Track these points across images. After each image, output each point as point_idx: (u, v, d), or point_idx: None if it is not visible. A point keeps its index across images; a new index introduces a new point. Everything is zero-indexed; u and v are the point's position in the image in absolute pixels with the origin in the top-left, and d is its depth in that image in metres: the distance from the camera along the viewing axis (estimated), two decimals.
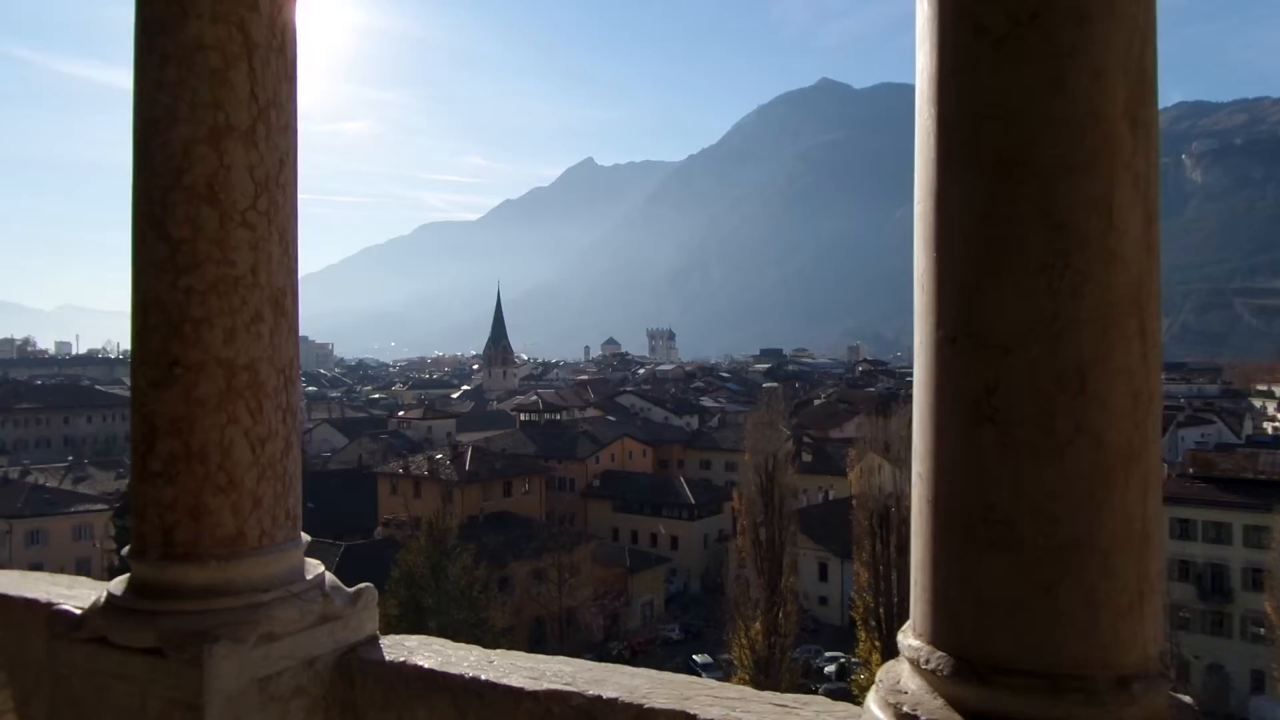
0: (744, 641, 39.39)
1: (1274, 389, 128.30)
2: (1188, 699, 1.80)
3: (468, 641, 3.01)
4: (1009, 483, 1.68)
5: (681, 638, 56.59)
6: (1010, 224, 1.71)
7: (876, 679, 1.91)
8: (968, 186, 1.76)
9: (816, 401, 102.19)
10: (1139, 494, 1.68)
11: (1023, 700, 1.65)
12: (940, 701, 1.75)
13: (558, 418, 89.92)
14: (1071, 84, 1.69)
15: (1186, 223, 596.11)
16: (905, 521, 43.56)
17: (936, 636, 1.78)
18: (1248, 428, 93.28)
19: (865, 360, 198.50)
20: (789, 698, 2.37)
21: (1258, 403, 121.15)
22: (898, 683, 1.86)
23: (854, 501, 44.84)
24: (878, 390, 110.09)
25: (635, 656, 50.73)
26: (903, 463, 44.81)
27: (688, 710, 2.29)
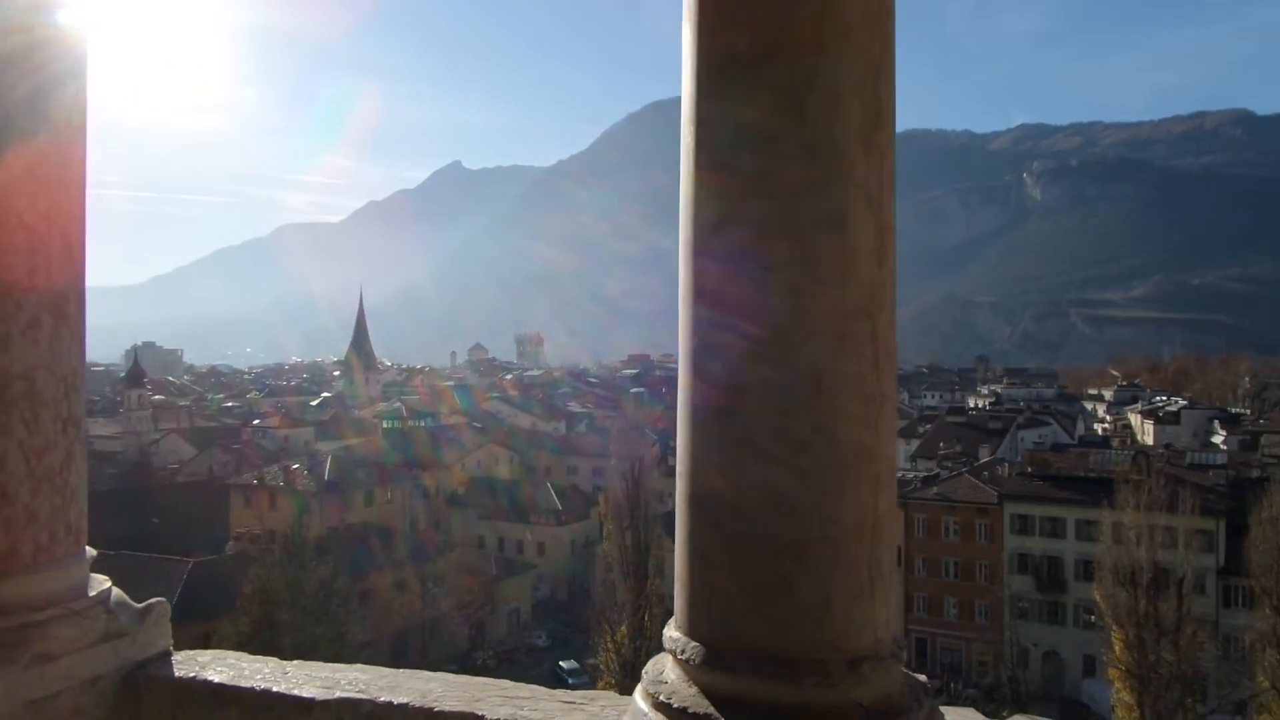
0: (610, 646, 39.51)
1: (1103, 393, 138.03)
2: (922, 677, 1.95)
3: (325, 659, 2.96)
4: (753, 481, 1.79)
5: (548, 644, 56.36)
6: (748, 237, 1.82)
7: (643, 671, 1.99)
8: (721, 202, 1.87)
9: None
10: (871, 489, 1.81)
11: (765, 685, 1.76)
12: (694, 690, 1.84)
13: (422, 424, 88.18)
14: (810, 109, 1.81)
15: (1027, 237, 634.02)
16: None
17: (692, 628, 1.88)
18: (1080, 429, 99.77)
19: None
20: (578, 695, 2.44)
21: (1089, 405, 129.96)
22: (661, 674, 1.95)
23: None
24: None
25: (501, 665, 50.25)
26: None
27: (476, 711, 2.32)
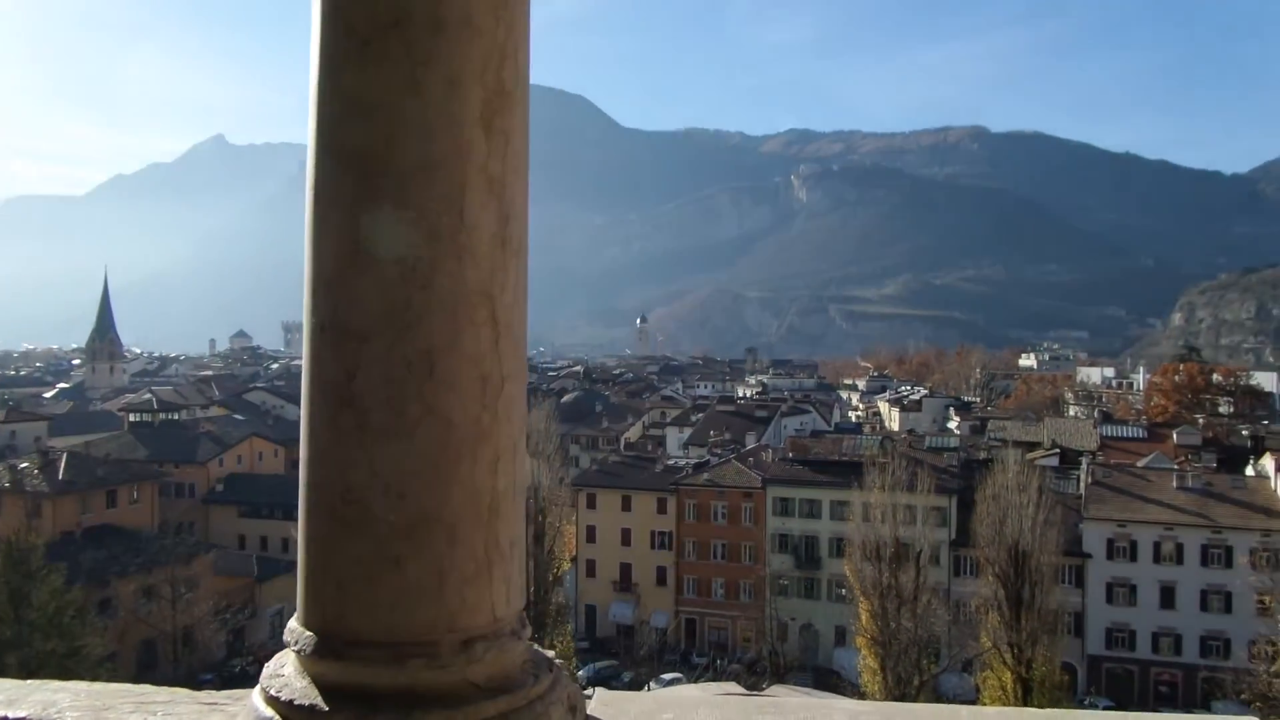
0: None
1: (857, 383, 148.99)
2: (550, 653, 2.00)
3: (55, 676, 2.63)
4: (365, 464, 1.76)
5: None
6: (369, 218, 1.78)
7: (265, 666, 1.92)
8: (336, 180, 1.82)
9: None
10: (489, 470, 1.83)
11: (373, 671, 1.74)
12: (306, 681, 1.79)
13: (175, 417, 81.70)
14: (428, 89, 1.80)
15: (793, 236, 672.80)
16: (543, 511, 44.95)
17: (307, 618, 1.83)
18: (837, 416, 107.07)
19: None
20: (220, 695, 2.32)
21: (845, 395, 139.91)
22: (281, 668, 1.88)
23: None
24: None
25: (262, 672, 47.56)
26: (541, 455, 46.04)
27: None
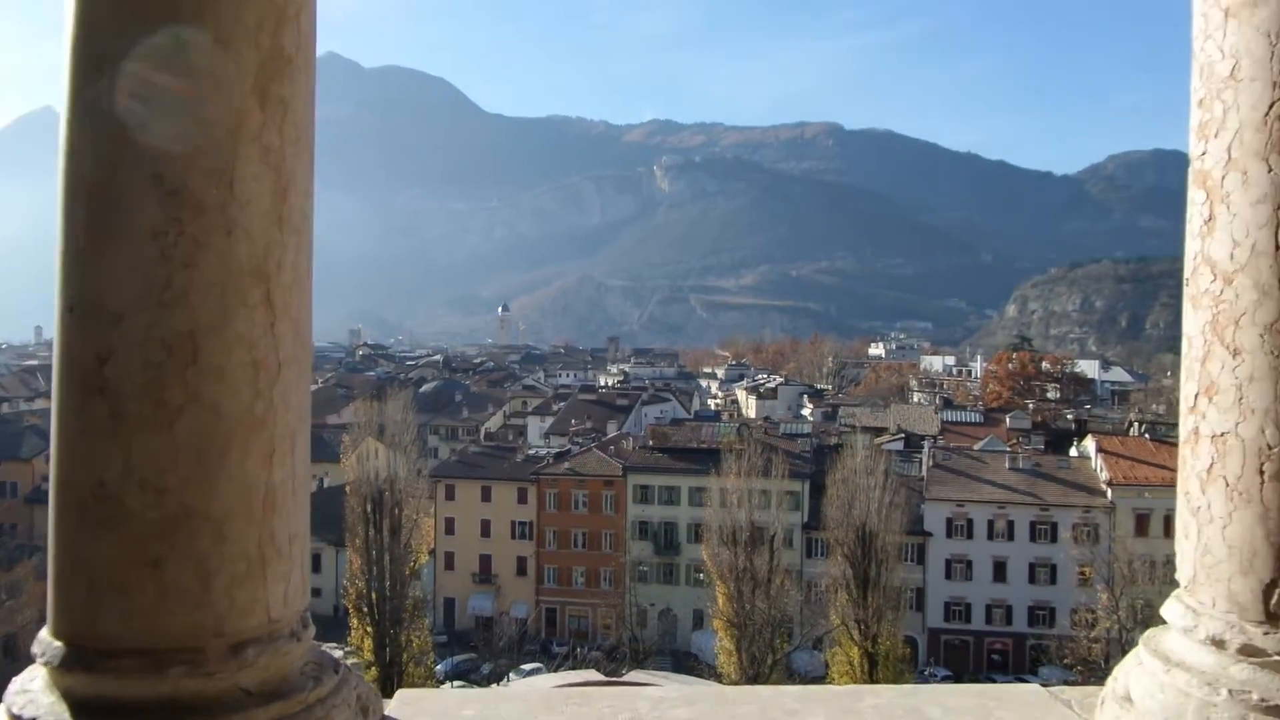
0: None
1: (716, 371, 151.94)
2: (338, 652, 1.89)
3: None
4: (119, 457, 1.61)
5: None
6: (125, 190, 1.63)
7: (11, 681, 1.74)
8: (92, 150, 1.66)
9: (313, 387, 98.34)
10: (262, 461, 1.71)
11: (129, 682, 1.60)
12: (54, 696, 1.63)
13: None
14: (193, 51, 1.66)
15: (656, 226, 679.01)
16: (399, 504, 43.88)
17: (56, 627, 1.67)
18: (696, 404, 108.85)
19: (366, 344, 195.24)
20: None
21: (704, 383, 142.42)
22: (30, 682, 1.71)
23: (348, 488, 43.97)
24: (377, 374, 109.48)
25: None
26: (398, 446, 45.00)
27: None
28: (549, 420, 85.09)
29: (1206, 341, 1.96)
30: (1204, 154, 2.01)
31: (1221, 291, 1.93)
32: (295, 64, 1.78)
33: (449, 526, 60.49)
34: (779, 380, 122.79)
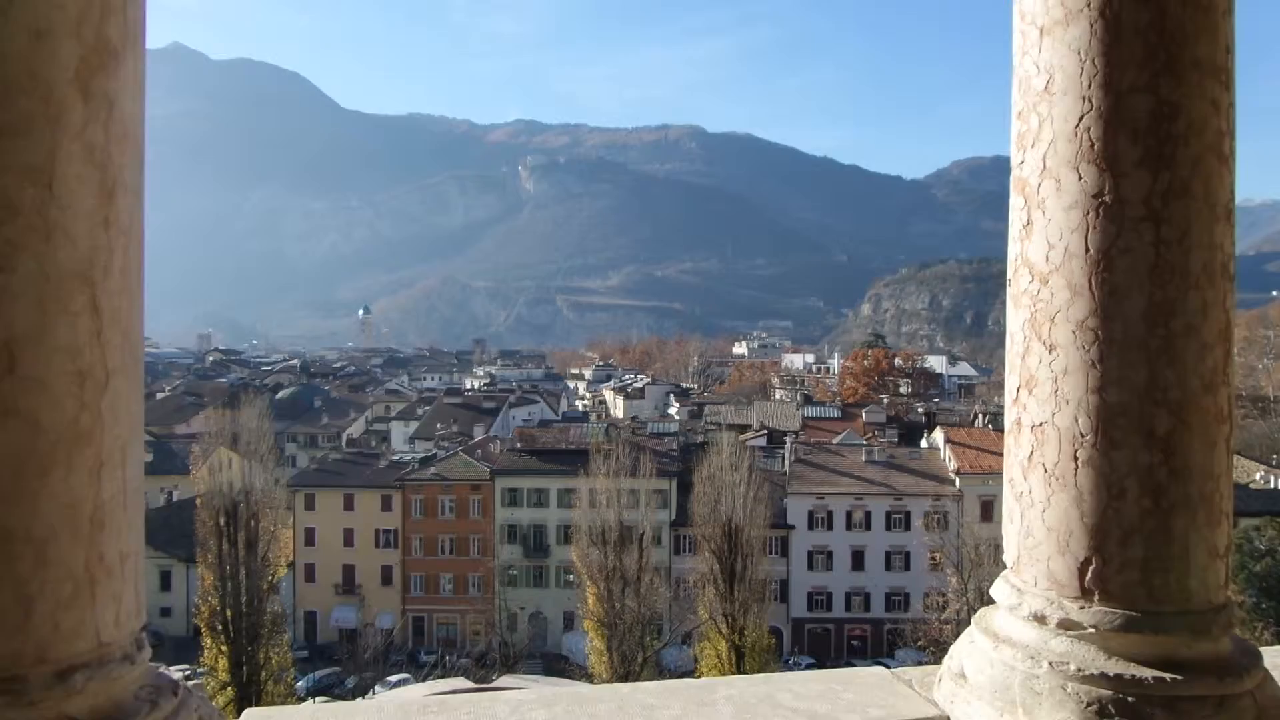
0: None
1: (584, 372, 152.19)
2: (174, 675, 1.81)
3: None
4: None
5: None
6: None
7: None
8: None
9: (160, 395, 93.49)
10: (89, 476, 1.62)
11: None
12: None
13: None
14: (7, 40, 1.56)
15: (521, 226, 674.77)
16: (255, 516, 42.10)
17: None
18: (564, 405, 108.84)
19: (217, 349, 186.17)
20: None
21: (572, 384, 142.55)
22: None
23: (199, 500, 41.89)
24: (230, 381, 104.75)
25: None
26: (253, 455, 43.21)
27: None
28: (414, 425, 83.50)
29: (1026, 338, 2.10)
30: (1023, 163, 2.15)
31: (1039, 291, 2.07)
32: (122, 57, 1.69)
33: (309, 537, 58.51)
34: (646, 380, 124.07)
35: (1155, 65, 1.97)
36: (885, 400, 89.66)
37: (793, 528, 54.68)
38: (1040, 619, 2.03)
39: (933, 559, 49.25)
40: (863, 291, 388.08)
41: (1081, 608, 1.99)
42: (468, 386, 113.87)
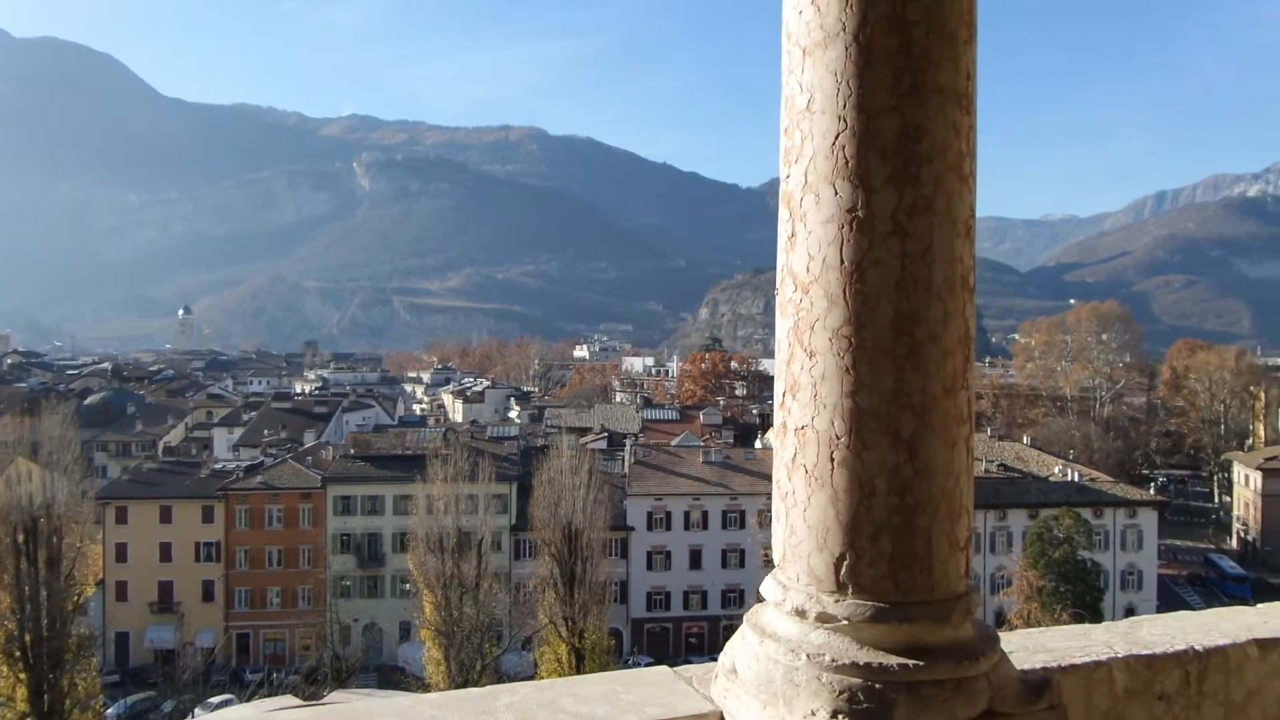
0: None
1: (422, 375, 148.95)
2: None
3: None
4: None
5: None
6: None
7: None
8: None
9: None
10: None
11: None
12: None
13: None
14: None
15: (356, 225, 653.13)
16: (58, 531, 39.02)
17: None
18: (401, 410, 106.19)
19: (16, 352, 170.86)
20: None
21: (409, 388, 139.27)
22: None
23: None
24: (30, 386, 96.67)
25: None
26: (56, 465, 40.16)
27: None
28: (239, 431, 79.55)
29: (790, 345, 2.20)
30: (788, 177, 2.25)
31: (801, 300, 2.17)
32: None
33: (121, 553, 54.80)
34: (486, 384, 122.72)
35: (902, 89, 2.10)
36: (722, 402, 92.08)
37: (632, 529, 55.37)
38: (801, 614, 2.13)
39: (765, 555, 50.90)
40: (701, 296, 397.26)
41: (837, 601, 2.10)
42: (298, 391, 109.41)
